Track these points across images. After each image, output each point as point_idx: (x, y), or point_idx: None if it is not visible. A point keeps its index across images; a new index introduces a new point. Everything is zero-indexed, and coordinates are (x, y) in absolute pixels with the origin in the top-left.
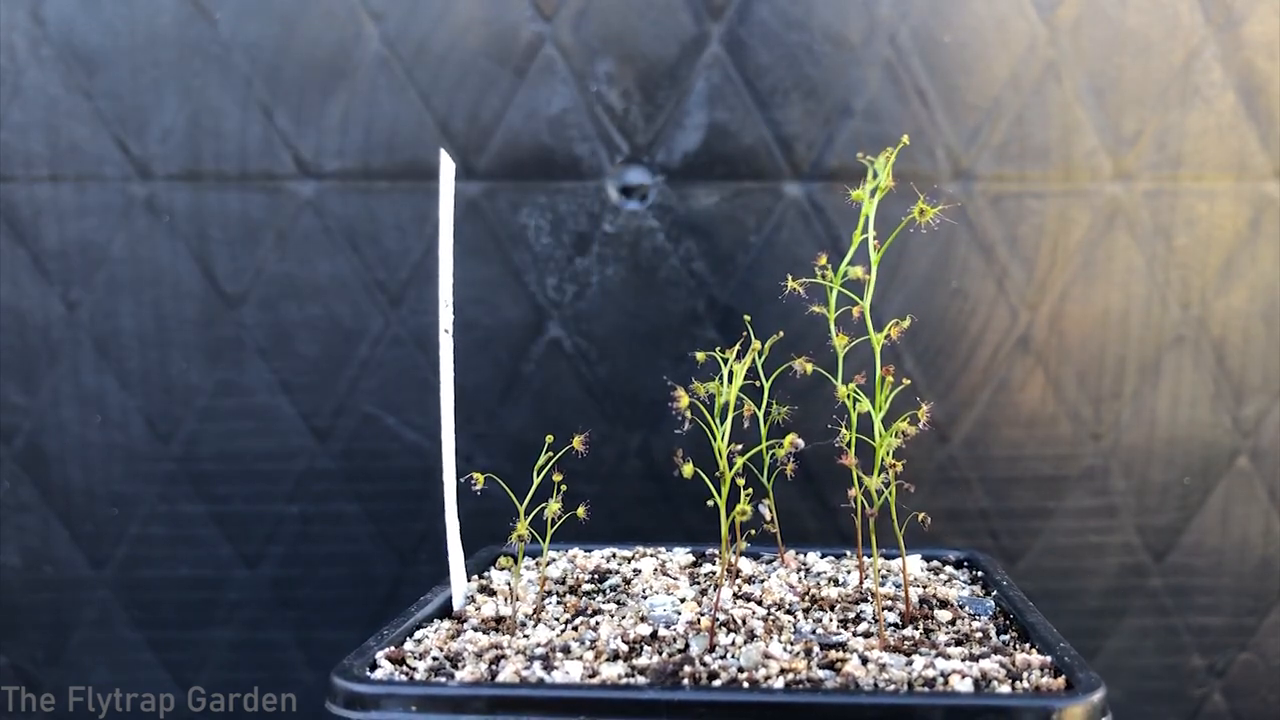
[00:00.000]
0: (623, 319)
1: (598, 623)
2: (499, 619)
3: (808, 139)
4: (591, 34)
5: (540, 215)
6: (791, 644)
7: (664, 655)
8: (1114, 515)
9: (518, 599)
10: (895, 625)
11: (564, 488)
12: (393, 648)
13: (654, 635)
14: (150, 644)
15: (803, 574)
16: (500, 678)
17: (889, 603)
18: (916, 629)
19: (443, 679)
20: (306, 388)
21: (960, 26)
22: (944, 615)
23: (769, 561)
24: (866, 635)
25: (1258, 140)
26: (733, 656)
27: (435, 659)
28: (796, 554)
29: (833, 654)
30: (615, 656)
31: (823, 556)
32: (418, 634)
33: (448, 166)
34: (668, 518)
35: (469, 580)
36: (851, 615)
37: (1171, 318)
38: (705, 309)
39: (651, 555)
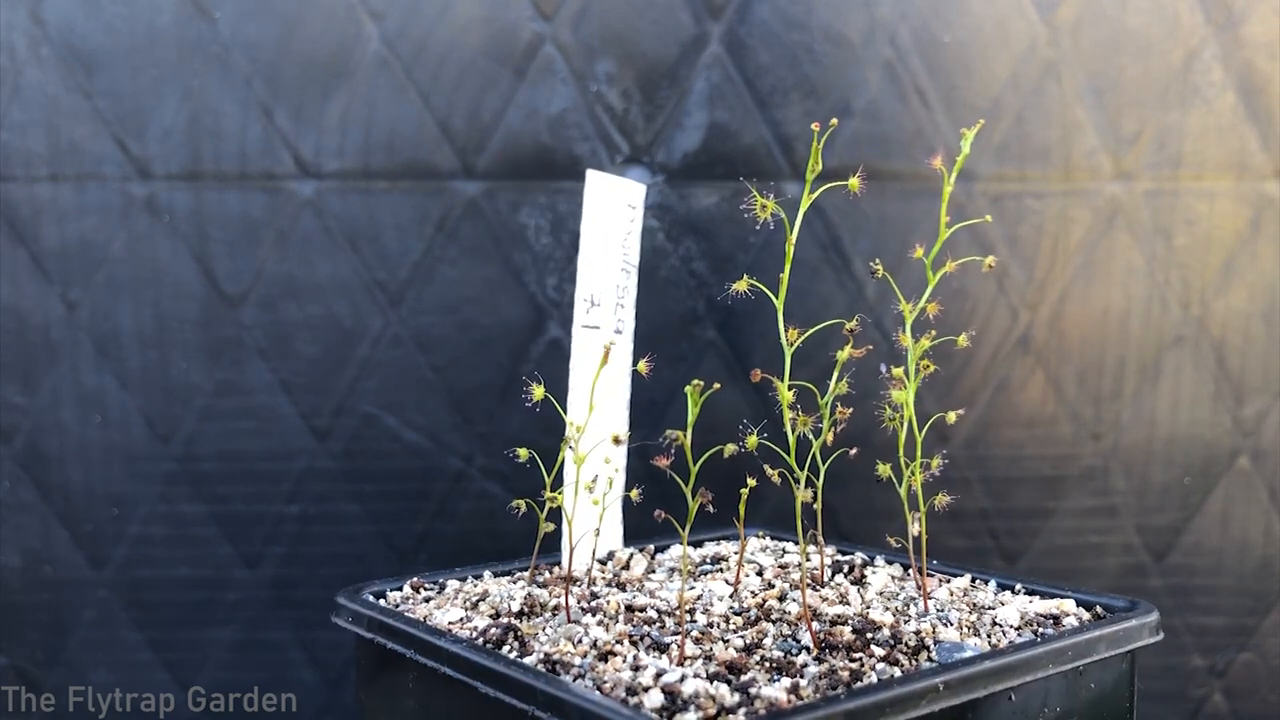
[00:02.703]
0: None
1: (608, 593)
2: (566, 579)
3: (808, 139)
4: (591, 34)
5: (540, 215)
6: (623, 635)
7: (520, 620)
8: (1114, 515)
9: (623, 567)
10: (805, 649)
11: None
12: (417, 578)
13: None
14: (150, 644)
15: (864, 589)
16: (415, 614)
17: (800, 626)
18: (810, 655)
19: (404, 608)
20: (306, 388)
21: (960, 26)
22: (877, 651)
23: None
24: (753, 650)
25: (1258, 140)
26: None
27: (434, 592)
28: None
29: (616, 649)
30: (496, 614)
31: (972, 578)
32: (485, 574)
33: (603, 184)
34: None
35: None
36: (772, 632)
37: (1171, 318)
38: (705, 309)
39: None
